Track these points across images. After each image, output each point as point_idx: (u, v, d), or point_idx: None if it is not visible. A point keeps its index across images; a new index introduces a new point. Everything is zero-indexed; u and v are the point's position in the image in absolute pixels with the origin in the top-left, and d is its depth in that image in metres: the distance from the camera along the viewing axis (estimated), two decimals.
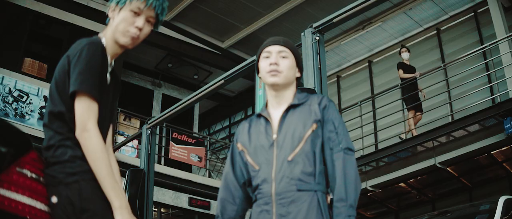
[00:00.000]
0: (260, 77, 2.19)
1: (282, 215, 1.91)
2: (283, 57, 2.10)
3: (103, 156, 1.67)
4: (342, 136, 1.99)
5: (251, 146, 2.09)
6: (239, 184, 2.12)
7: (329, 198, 1.96)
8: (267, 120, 2.10)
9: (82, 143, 1.68)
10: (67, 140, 1.72)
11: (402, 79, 9.06)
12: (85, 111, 1.70)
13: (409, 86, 8.89)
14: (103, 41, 1.89)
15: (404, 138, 8.84)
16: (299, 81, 2.20)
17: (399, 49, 9.66)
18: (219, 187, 2.19)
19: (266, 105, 2.17)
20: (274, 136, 2.04)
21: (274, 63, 2.08)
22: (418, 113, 8.88)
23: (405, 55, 9.18)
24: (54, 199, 1.65)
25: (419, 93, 8.99)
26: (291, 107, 2.07)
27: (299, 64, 2.18)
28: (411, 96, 8.88)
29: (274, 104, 2.13)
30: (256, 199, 2.01)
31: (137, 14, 1.91)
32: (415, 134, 8.56)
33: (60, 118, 1.76)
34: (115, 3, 1.92)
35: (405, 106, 9.34)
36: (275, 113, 2.10)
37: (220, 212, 2.13)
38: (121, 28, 1.90)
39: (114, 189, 1.65)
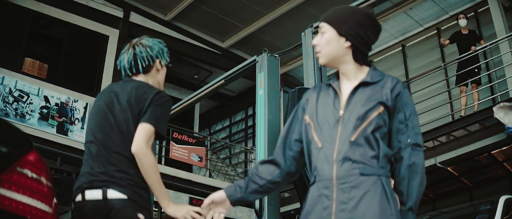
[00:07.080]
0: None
1: (343, 202, 1.73)
2: (322, 33, 1.96)
3: (157, 169, 2.22)
4: (412, 130, 1.85)
5: (317, 120, 1.91)
6: (291, 154, 2.02)
7: (392, 182, 1.85)
8: (336, 93, 1.92)
9: (138, 158, 2.14)
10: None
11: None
12: (149, 136, 2.17)
13: (465, 61, 8.44)
14: None
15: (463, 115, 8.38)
16: (357, 48, 1.92)
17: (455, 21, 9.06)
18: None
19: (337, 75, 1.99)
20: (341, 112, 1.86)
21: (316, 44, 1.98)
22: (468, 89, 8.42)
23: (462, 22, 8.63)
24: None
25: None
26: (363, 84, 1.89)
27: (344, 32, 1.90)
28: (462, 73, 8.46)
29: (343, 78, 1.96)
30: (315, 181, 1.84)
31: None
32: (464, 114, 8.23)
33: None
34: (159, 61, 2.55)
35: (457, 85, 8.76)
36: (345, 87, 1.93)
37: (255, 173, 2.04)
38: (163, 80, 2.62)
39: (163, 194, 2.28)
